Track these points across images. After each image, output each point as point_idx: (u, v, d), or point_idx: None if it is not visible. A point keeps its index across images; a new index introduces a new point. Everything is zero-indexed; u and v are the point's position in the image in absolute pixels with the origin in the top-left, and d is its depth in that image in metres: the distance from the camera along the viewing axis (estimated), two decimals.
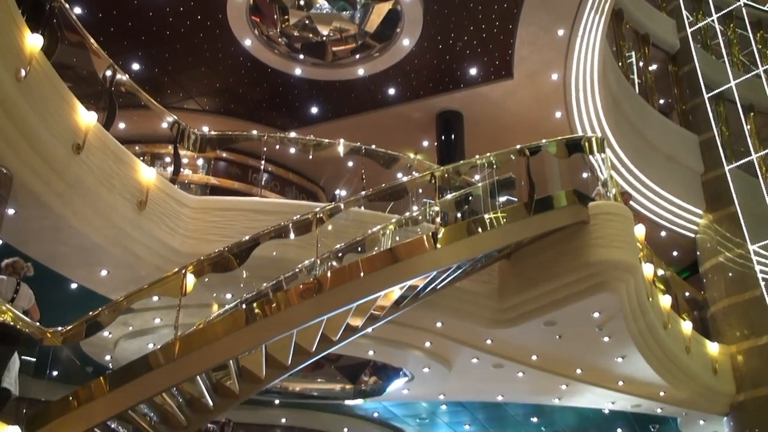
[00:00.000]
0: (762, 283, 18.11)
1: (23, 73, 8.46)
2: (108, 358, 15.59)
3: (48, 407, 7.50)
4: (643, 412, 19.14)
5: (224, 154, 18.39)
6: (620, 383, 16.76)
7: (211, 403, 9.32)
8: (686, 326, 16.89)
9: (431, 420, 21.77)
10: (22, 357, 8.45)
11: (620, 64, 20.61)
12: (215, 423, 14.59)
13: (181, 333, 8.22)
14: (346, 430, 21.33)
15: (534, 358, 15.74)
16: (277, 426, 20.64)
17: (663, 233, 19.86)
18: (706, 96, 21.35)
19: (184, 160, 16.81)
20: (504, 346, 15.17)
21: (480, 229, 10.82)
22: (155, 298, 11.34)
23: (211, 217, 12.68)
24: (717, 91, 21.56)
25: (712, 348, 18.03)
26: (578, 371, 16.45)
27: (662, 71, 23.22)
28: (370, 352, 15.71)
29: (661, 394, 17.11)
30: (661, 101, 22.82)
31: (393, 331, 14.18)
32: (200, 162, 18.19)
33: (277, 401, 19.11)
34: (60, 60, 9.68)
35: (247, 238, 9.86)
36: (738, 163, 20.13)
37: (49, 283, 11.87)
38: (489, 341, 14.95)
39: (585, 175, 17.30)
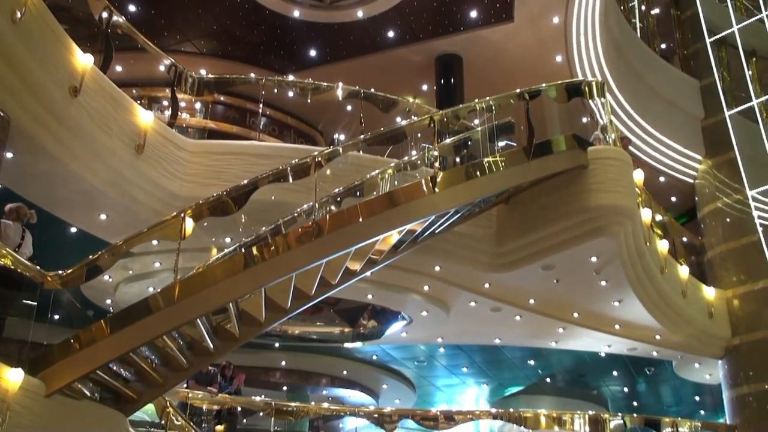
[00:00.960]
0: (759, 229, 18.15)
1: (18, 14, 8.37)
2: (109, 301, 15.70)
3: (50, 350, 7.57)
4: (638, 355, 19.36)
5: (222, 98, 18.27)
6: (617, 327, 16.93)
7: (211, 346, 9.40)
8: (683, 271, 17.00)
9: (429, 363, 22.00)
10: (24, 301, 8.51)
11: (622, 7, 20.35)
12: (216, 366, 14.76)
13: (180, 276, 8.25)
14: (345, 372, 21.58)
15: (531, 301, 15.87)
16: (276, 369, 20.87)
17: (662, 178, 19.86)
18: (708, 40, 21.13)
19: (182, 104, 16.71)
20: (502, 289, 15.28)
21: (478, 174, 10.81)
22: (155, 242, 11.39)
23: (209, 161, 12.67)
24: (719, 35, 21.35)
25: (709, 292, 18.16)
26: (575, 315, 16.60)
27: (664, 15, 22.94)
28: (369, 296, 15.83)
29: (657, 337, 17.29)
30: (663, 46, 22.61)
31: (391, 275, 14.27)
32: (198, 106, 18.08)
33: (277, 344, 19.30)
34: (55, 1, 9.58)
35: (245, 182, 9.84)
36: (738, 109, 20.02)
37: (49, 227, 11.91)
38: (487, 285, 15.05)
39: (584, 119, 17.26)
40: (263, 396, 16.99)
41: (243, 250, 9.65)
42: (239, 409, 14.80)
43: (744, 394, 17.78)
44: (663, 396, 25.30)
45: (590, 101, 14.33)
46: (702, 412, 24.56)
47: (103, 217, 12.24)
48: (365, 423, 17.55)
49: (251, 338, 10.13)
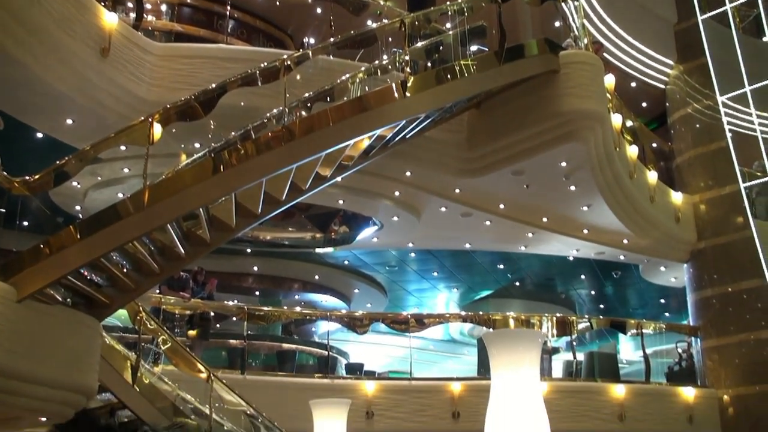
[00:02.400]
0: (728, 135, 18.25)
1: None
2: (78, 208, 15.61)
3: (20, 256, 7.53)
4: (606, 259, 19.68)
5: (189, 0, 17.82)
6: (585, 231, 17.15)
7: (182, 251, 9.40)
8: (652, 176, 17.17)
9: (400, 268, 22.23)
10: None
11: None
12: (188, 271, 14.82)
13: (149, 182, 8.19)
14: (316, 277, 21.76)
15: (501, 206, 15.99)
16: (249, 274, 20.99)
17: (633, 84, 19.82)
18: None
19: (147, 6, 16.29)
20: (472, 195, 15.36)
21: (450, 78, 10.73)
22: (123, 148, 11.27)
23: (176, 65, 12.46)
24: None
25: (676, 197, 18.39)
26: (544, 219, 16.77)
27: None
28: (340, 201, 15.86)
29: (625, 241, 17.56)
30: None
31: (362, 180, 14.28)
32: (164, 8, 17.59)
33: (248, 250, 19.36)
34: None
35: (213, 86, 9.71)
36: (712, 13, 19.85)
37: (16, 134, 11.74)
38: (457, 190, 15.12)
39: (557, 24, 17.05)
40: (236, 301, 17.12)
41: (212, 156, 9.58)
42: (212, 314, 14.94)
43: (708, 296, 18.21)
44: (629, 299, 25.83)
45: (563, 4, 14.15)
46: (667, 314, 25.13)
47: (69, 122, 12.06)
48: (337, 326, 17.83)
49: (222, 243, 10.13)
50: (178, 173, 8.92)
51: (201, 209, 8.99)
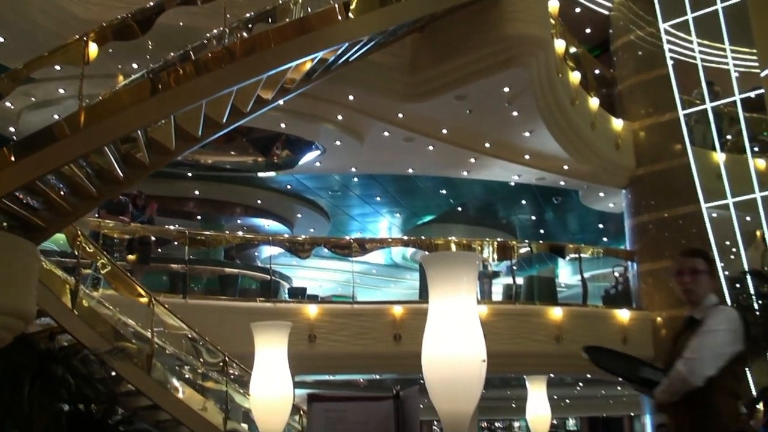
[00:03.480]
0: (669, 62, 18.40)
1: None
2: (12, 129, 15.21)
3: None
4: (546, 185, 19.92)
5: None
6: (527, 157, 17.29)
7: (120, 175, 9.25)
8: (593, 102, 17.30)
9: (343, 192, 22.21)
10: None
11: None
12: (127, 195, 14.62)
13: (86, 103, 7.99)
14: (259, 201, 21.65)
15: (444, 131, 16.01)
16: (190, 198, 20.79)
17: (577, 9, 19.78)
18: None
19: None
20: (415, 120, 15.33)
21: (394, 0, 10.59)
22: (57, 68, 10.95)
23: None
24: None
25: (617, 124, 18.59)
26: (487, 145, 16.84)
27: None
28: (282, 125, 15.70)
29: (565, 167, 17.76)
30: None
31: (305, 104, 14.14)
32: None
33: (189, 174, 19.13)
34: None
35: (151, 4, 9.44)
36: None
37: None
38: (400, 115, 15.07)
39: None
40: (177, 225, 16.97)
41: (151, 77, 9.36)
42: (152, 238, 14.81)
43: (644, 221, 18.59)
44: (569, 224, 26.25)
45: None
46: (605, 239, 25.65)
47: (1, 40, 11.66)
48: (280, 251, 17.82)
49: (162, 167, 9.98)
50: (116, 94, 8.73)
51: (139, 131, 8.82)
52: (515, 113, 14.83)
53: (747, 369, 3.72)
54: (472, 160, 17.55)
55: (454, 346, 4.43)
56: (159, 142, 9.58)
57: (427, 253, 17.43)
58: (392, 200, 23.17)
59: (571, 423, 33.41)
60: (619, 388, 23.84)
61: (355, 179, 20.98)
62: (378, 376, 19.23)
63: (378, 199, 22.95)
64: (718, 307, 3.95)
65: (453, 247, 17.22)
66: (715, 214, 17.35)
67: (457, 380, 4.41)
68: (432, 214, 24.96)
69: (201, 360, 12.33)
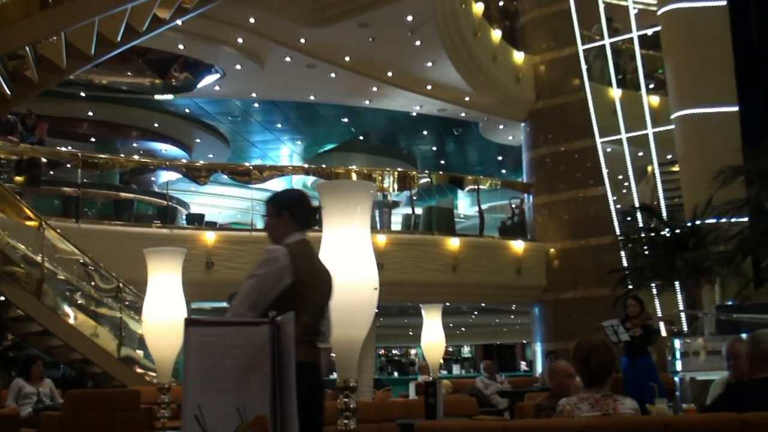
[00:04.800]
0: None
1: None
2: None
3: None
4: (448, 116, 20.04)
5: None
6: (429, 87, 17.32)
7: (8, 92, 8.88)
8: (496, 35, 17.37)
9: (244, 118, 21.84)
10: None
11: None
12: (15, 114, 14.01)
13: None
14: (156, 125, 21.11)
15: (347, 59, 15.86)
16: (83, 119, 20.09)
17: None
18: None
19: None
20: (317, 46, 15.13)
21: None
22: None
23: None
24: None
25: (518, 57, 18.72)
26: (389, 74, 16.79)
27: None
28: (180, 47, 15.29)
29: (466, 99, 17.87)
30: None
31: (204, 25, 13.76)
32: None
33: (83, 93, 18.45)
34: None
35: None
36: None
37: None
38: (302, 40, 14.85)
39: None
40: (69, 147, 16.41)
41: None
42: (43, 160, 14.29)
43: (542, 155, 18.94)
44: (469, 156, 26.52)
45: None
46: (503, 171, 26.07)
47: None
48: (177, 176, 17.47)
49: (52, 85, 9.66)
50: (1, 7, 8.30)
51: (27, 48, 8.45)
52: (418, 43, 14.79)
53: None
54: (375, 89, 17.48)
55: (347, 273, 4.43)
56: (49, 60, 9.24)
57: (327, 180, 17.42)
58: (294, 128, 22.93)
59: (466, 350, 34.30)
60: (512, 317, 24.57)
61: (256, 105, 20.64)
62: None
63: (279, 126, 22.67)
64: (266, 250, 4.03)
65: (354, 177, 17.20)
66: (609, 149, 17.77)
67: (348, 307, 4.43)
68: (334, 143, 24.85)
69: (94, 285, 12.10)
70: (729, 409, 4.06)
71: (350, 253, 4.48)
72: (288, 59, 15.70)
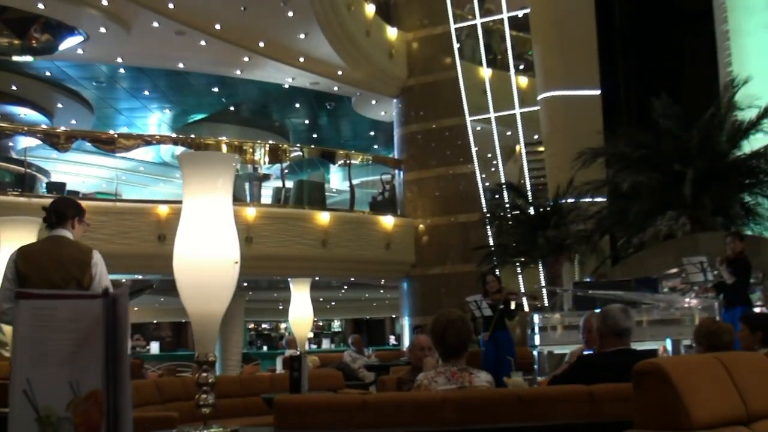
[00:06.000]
0: None
1: None
2: None
3: None
4: (321, 89, 19.94)
5: None
6: (301, 60, 17.15)
7: None
8: (369, 9, 17.34)
9: (109, 84, 21.03)
10: None
11: None
12: None
13: None
14: (14, 87, 20.07)
15: (217, 27, 15.50)
16: None
17: None
18: None
19: None
20: (187, 12, 14.75)
21: None
22: None
23: None
24: None
25: (391, 33, 18.76)
26: (261, 44, 16.53)
27: None
28: (40, 6, 14.55)
29: (339, 73, 17.79)
30: None
31: None
32: None
33: None
34: None
35: None
36: None
37: None
38: (171, 5, 14.43)
39: None
40: None
41: None
42: None
43: (413, 131, 19.10)
44: (342, 130, 26.48)
45: None
46: (375, 146, 26.17)
47: None
48: (38, 143, 16.73)
49: None
50: None
51: None
52: (290, 14, 14.60)
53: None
54: (246, 59, 17.17)
55: (207, 247, 4.32)
56: None
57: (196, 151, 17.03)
58: (162, 96, 22.28)
59: (336, 324, 34.47)
60: (382, 291, 24.78)
61: (123, 71, 19.91)
62: (141, 277, 18.74)
63: (147, 93, 21.97)
64: None
65: (224, 148, 16.90)
66: (479, 128, 18.10)
67: (207, 281, 4.33)
68: (204, 113, 24.30)
69: None
70: (579, 379, 4.21)
71: (210, 226, 4.36)
72: (156, 24, 15.19)
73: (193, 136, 20.17)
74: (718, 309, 8.63)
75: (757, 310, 9.17)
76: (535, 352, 9.21)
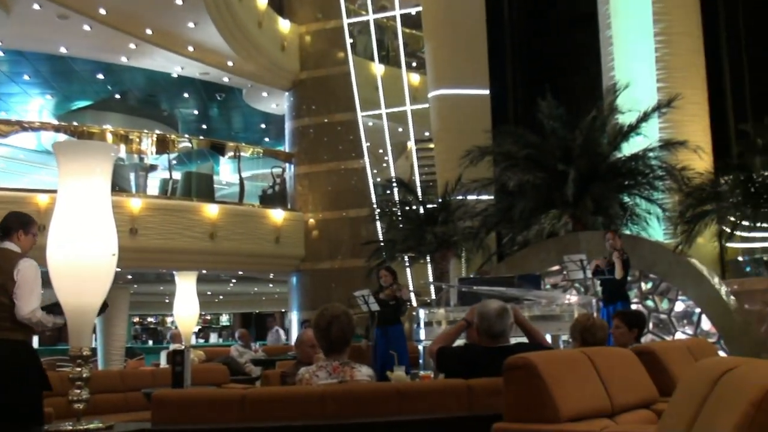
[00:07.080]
0: None
1: None
2: None
3: None
4: (211, 80, 19.65)
5: None
6: (190, 49, 16.86)
7: None
8: (262, 1, 17.16)
9: None
10: None
11: None
12: None
13: None
14: None
15: (102, 12, 15.06)
16: None
17: None
18: None
19: None
20: None
21: None
22: None
23: None
24: None
25: (284, 26, 18.64)
26: (148, 32, 16.16)
27: None
28: None
29: (230, 64, 17.57)
30: None
31: None
32: None
33: None
34: None
35: None
36: None
37: None
38: None
39: None
40: None
41: None
42: None
43: (305, 125, 19.03)
44: (233, 122, 26.14)
45: None
46: (267, 139, 25.94)
47: None
48: None
49: None
50: None
51: None
52: (179, 2, 14.29)
53: None
54: (133, 46, 16.74)
55: (82, 239, 4.18)
56: None
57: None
58: (44, 81, 21.46)
59: (224, 318, 34.04)
60: (271, 285, 24.59)
61: (1, 54, 19.09)
62: None
63: (27, 78, 21.11)
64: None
65: (109, 137, 16.42)
66: (370, 123, 18.18)
67: (83, 274, 4.19)
68: (88, 100, 23.53)
69: None
70: (460, 363, 4.30)
71: (86, 217, 4.22)
72: (37, 6, 14.62)
73: (76, 123, 19.51)
74: (596, 305, 8.91)
75: (633, 307, 9.51)
76: (420, 347, 9.30)
